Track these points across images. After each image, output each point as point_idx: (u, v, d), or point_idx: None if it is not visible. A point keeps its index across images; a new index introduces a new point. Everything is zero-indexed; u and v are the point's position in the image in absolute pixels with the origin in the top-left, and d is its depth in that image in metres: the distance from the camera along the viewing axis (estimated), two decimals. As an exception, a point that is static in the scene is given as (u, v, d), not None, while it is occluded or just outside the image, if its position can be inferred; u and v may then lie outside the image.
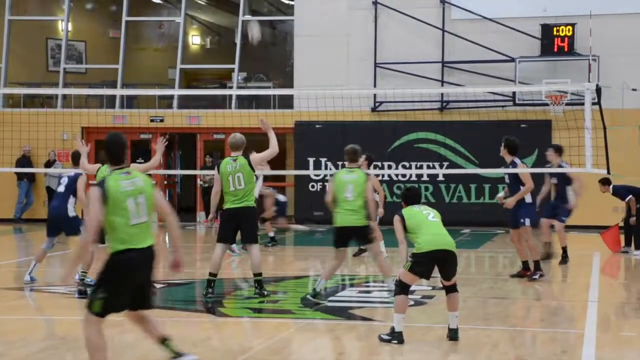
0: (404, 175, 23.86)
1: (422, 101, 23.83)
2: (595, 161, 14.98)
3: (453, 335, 9.09)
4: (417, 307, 11.16)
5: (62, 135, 24.45)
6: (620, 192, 17.61)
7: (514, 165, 13.75)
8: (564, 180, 15.52)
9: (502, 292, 12.88)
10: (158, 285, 12.96)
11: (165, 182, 25.84)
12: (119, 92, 25.04)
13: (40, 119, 22.84)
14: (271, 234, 18.41)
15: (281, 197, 20.83)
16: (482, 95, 23.26)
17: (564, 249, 15.64)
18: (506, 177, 13.94)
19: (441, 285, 9.36)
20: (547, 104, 22.56)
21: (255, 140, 24.80)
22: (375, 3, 24.32)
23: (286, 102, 24.60)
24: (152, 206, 7.24)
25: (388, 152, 23.85)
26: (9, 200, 25.25)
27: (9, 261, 16.65)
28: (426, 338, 9.42)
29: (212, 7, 30.17)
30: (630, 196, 17.41)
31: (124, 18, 26.14)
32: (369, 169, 15.97)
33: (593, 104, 15.11)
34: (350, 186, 11.46)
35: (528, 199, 13.69)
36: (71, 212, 12.72)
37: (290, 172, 23.24)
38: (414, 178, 23.56)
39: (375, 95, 23.97)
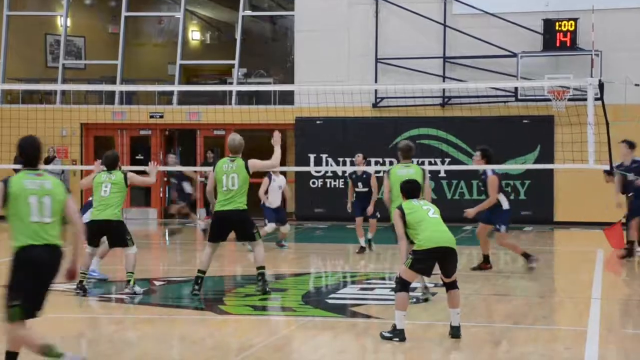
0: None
1: (423, 97, 23.83)
2: (598, 157, 14.96)
3: (455, 332, 9.08)
4: (419, 304, 11.15)
5: (61, 132, 24.44)
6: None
7: (485, 174, 13.81)
8: None
9: (504, 289, 12.88)
10: (158, 283, 12.96)
11: (165, 179, 25.81)
12: (118, 88, 25.04)
13: (39, 115, 22.78)
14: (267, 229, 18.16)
15: (187, 188, 20.56)
16: (484, 91, 23.24)
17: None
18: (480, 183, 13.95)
19: (442, 282, 9.35)
20: (549, 100, 22.54)
21: (255, 137, 24.85)
22: (376, -2, 24.31)
23: (286, 98, 24.59)
24: (59, 210, 7.26)
25: (389, 148, 23.83)
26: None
27: (6, 259, 16.60)
28: (428, 336, 9.41)
29: (211, 2, 30.15)
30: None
31: (124, 13, 26.13)
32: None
33: (596, 99, 15.09)
34: None
35: (505, 205, 13.79)
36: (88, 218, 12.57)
37: (291, 169, 23.22)
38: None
39: (376, 90, 23.95)
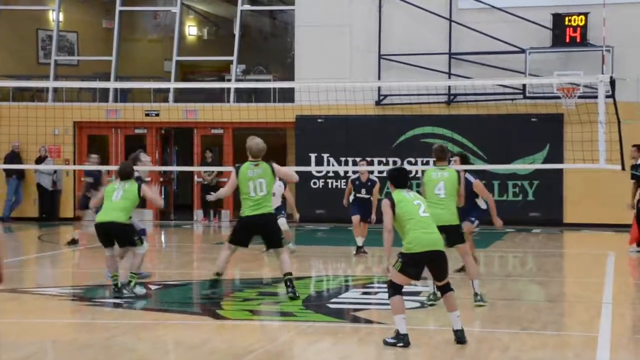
0: (409, 172, 23.80)
1: (428, 94, 23.83)
2: (608, 156, 14.94)
3: (460, 337, 9.06)
4: (425, 309, 11.15)
5: (53, 131, 24.44)
6: None
7: (468, 181, 13.58)
8: None
9: (512, 293, 12.87)
10: (153, 287, 12.96)
11: (161, 179, 25.83)
12: (112, 85, 25.03)
13: (30, 113, 22.82)
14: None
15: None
16: (490, 88, 23.23)
17: None
18: None
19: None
20: (558, 97, 22.52)
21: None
22: (379, -8, 24.31)
23: (287, 96, 24.58)
24: None
25: (393, 147, 23.83)
26: (-2, 198, 25.25)
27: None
28: (434, 342, 9.41)
29: (209, -4, 30.16)
30: None
31: (118, 8, 26.12)
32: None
33: (607, 96, 15.08)
34: (442, 183, 11.48)
35: (483, 205, 13.73)
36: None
37: (291, 169, 23.19)
38: (419, 175, 23.51)
39: (379, 88, 23.94)
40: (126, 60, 27.07)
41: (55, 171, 25.06)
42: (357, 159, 17.70)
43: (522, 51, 23.04)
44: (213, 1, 30.19)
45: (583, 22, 22.84)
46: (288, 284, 11.73)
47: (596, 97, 15.57)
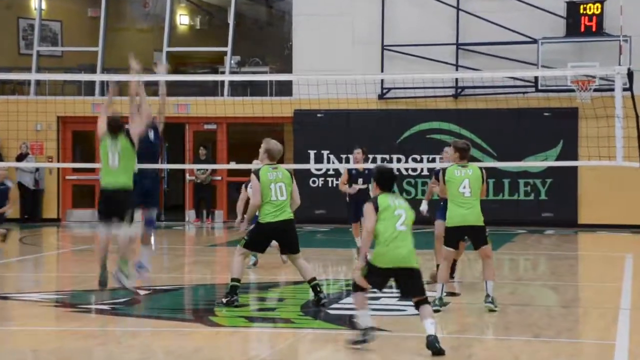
0: (414, 170, 23.83)
1: (434, 87, 23.82)
2: (626, 153, 14.92)
3: (430, 342, 8.85)
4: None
5: (36, 126, 24.42)
6: None
7: None
8: None
9: (524, 298, 12.86)
10: (142, 292, 12.94)
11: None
12: (98, 77, 25.00)
13: (10, 107, 22.81)
14: None
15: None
16: (500, 81, 23.22)
17: None
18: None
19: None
20: (573, 90, 22.52)
21: (251, 131, 24.87)
22: (382, -22, 24.31)
23: (284, 89, 24.57)
24: None
25: (397, 143, 23.83)
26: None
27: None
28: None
29: (202, -17, 30.15)
30: None
31: (104, -5, 26.12)
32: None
33: (624, 89, 15.04)
34: (466, 181, 11.53)
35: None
36: None
37: (289, 167, 23.13)
38: (425, 172, 23.52)
39: (382, 80, 23.94)
40: (113, 51, 27.00)
41: (37, 169, 25.04)
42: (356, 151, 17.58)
43: (534, 41, 23.04)
44: (206, -12, 30.17)
45: (599, 10, 22.83)
46: (318, 289, 11.83)
47: (613, 90, 15.55)
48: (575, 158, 22.14)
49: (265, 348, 9.66)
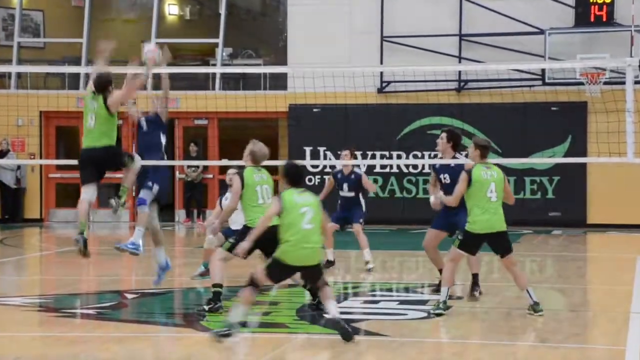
0: (415, 167, 23.88)
1: (436, 80, 23.82)
2: (638, 149, 14.97)
3: (342, 332, 9.62)
4: (431, 319, 11.16)
5: (17, 121, 24.44)
6: None
7: (459, 167, 12.91)
8: None
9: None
10: (129, 296, 12.96)
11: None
12: (83, 70, 24.99)
13: (-9, 102, 22.81)
14: None
15: None
16: (506, 74, 23.25)
17: None
18: (446, 177, 13.09)
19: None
20: (582, 83, 22.56)
21: (244, 126, 24.86)
22: (381, -34, 24.32)
23: (279, 82, 24.59)
24: None
25: (397, 139, 23.85)
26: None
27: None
28: (443, 355, 9.42)
29: (191, -29, 30.15)
30: None
31: (89, -16, 26.14)
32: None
33: (635, 82, 15.10)
34: (493, 185, 11.25)
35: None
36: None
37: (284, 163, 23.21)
38: (426, 169, 23.57)
39: (382, 73, 23.97)
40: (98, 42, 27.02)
41: (18, 167, 25.04)
42: (358, 153, 17.50)
43: (542, 32, 23.07)
44: (196, -23, 30.18)
45: (610, -1, 22.87)
46: (316, 297, 11.79)
47: (624, 83, 15.56)
48: (584, 154, 22.19)
49: (258, 354, 9.68)
